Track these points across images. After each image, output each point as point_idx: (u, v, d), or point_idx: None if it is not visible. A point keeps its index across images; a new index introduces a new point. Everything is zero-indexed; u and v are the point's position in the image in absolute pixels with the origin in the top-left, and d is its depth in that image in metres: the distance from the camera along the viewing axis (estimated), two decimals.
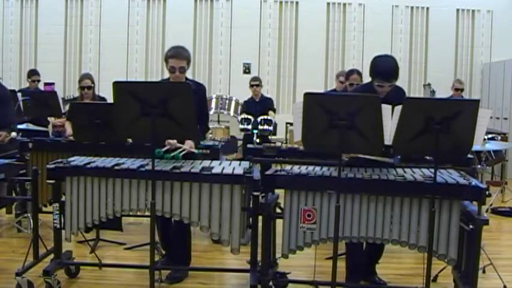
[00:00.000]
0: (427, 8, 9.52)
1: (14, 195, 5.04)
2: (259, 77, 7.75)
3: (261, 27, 9.47)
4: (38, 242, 3.66)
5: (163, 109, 2.93)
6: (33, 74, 6.88)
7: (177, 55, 3.73)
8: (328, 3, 9.48)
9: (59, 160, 3.51)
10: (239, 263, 3.94)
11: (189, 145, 3.68)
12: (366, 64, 3.63)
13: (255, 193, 3.22)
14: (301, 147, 3.99)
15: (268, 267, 3.33)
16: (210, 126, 5.22)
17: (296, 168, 3.29)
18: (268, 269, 3.34)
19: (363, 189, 3.07)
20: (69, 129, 4.93)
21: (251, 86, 7.23)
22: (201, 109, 3.87)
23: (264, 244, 3.31)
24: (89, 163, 3.40)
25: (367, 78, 3.64)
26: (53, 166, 3.41)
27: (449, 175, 3.18)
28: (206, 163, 3.45)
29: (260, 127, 6.48)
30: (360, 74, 5.21)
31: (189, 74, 3.97)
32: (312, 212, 3.13)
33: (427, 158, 3.58)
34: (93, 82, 5.26)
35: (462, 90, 7.37)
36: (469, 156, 3.67)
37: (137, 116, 2.97)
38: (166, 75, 3.92)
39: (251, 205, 3.31)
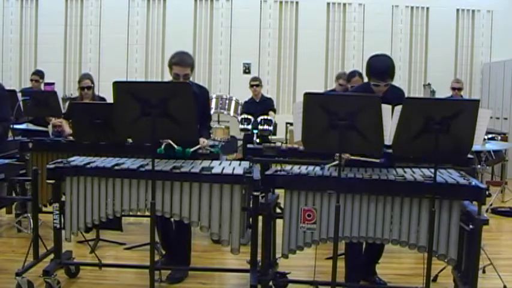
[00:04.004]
0: (427, 8, 9.52)
1: (14, 195, 5.04)
2: (259, 77, 7.75)
3: (261, 27, 9.46)
4: (38, 242, 3.66)
5: (163, 109, 2.94)
6: (35, 73, 6.90)
7: (182, 63, 3.72)
8: (328, 3, 9.48)
9: (59, 160, 3.51)
10: (239, 263, 3.93)
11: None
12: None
13: (255, 193, 3.22)
14: (301, 147, 3.99)
15: (268, 267, 3.33)
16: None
17: (296, 168, 3.29)
18: (268, 269, 3.34)
19: (363, 189, 3.07)
20: (66, 128, 4.93)
21: (251, 86, 7.22)
22: (203, 112, 3.88)
23: (264, 244, 3.31)
24: (89, 163, 3.40)
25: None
26: (53, 166, 3.41)
27: (449, 175, 3.18)
28: (206, 163, 3.45)
29: (260, 127, 6.48)
30: (361, 75, 5.21)
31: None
32: (312, 212, 3.13)
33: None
34: (92, 82, 5.26)
35: (460, 89, 7.38)
36: (469, 156, 3.67)
37: (137, 116, 2.97)
38: (166, 75, 3.92)
39: (251, 205, 3.31)
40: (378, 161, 3.23)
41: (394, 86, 3.57)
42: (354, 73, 5.34)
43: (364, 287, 3.73)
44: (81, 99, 5.24)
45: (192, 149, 3.62)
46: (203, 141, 3.80)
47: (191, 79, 3.92)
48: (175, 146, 3.52)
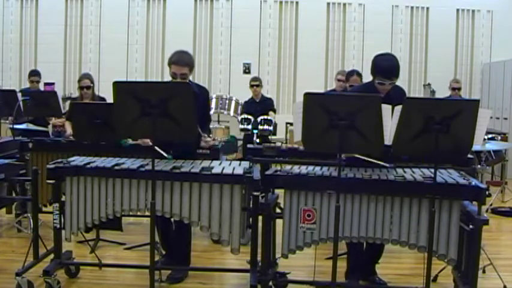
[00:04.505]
0: (427, 8, 9.51)
1: (14, 195, 5.04)
2: (259, 77, 7.75)
3: (261, 27, 9.46)
4: (38, 242, 3.66)
5: (163, 109, 2.94)
6: (32, 74, 6.87)
7: (179, 62, 3.71)
8: (328, 3, 9.48)
9: (59, 160, 3.51)
10: (239, 263, 3.94)
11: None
12: (366, 64, 3.64)
13: (255, 193, 3.22)
14: (301, 147, 3.99)
15: (268, 267, 3.33)
16: (210, 126, 5.23)
17: (296, 168, 3.29)
18: (268, 269, 3.34)
19: (363, 189, 3.07)
20: (69, 129, 4.94)
21: (251, 86, 7.22)
22: (203, 113, 3.88)
23: (264, 244, 3.31)
24: (89, 163, 3.41)
25: (367, 79, 3.65)
26: (53, 166, 3.41)
27: (449, 175, 3.18)
28: (206, 163, 3.45)
29: (260, 127, 6.47)
30: (360, 75, 5.21)
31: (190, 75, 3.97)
32: (311, 212, 3.13)
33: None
34: (92, 82, 5.26)
35: (459, 89, 7.38)
36: (469, 156, 3.67)
37: (137, 116, 2.97)
38: (166, 75, 3.92)
39: (251, 205, 3.31)
40: (387, 165, 3.23)
41: (397, 85, 3.59)
42: (352, 72, 5.34)
43: (364, 287, 3.73)
44: (81, 99, 5.24)
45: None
46: (204, 135, 3.82)
47: (191, 79, 3.92)
48: (165, 154, 3.40)
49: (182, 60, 3.73)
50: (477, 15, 9.55)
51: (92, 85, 5.24)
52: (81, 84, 5.23)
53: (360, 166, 3.29)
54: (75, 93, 5.69)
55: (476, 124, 2.75)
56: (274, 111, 7.24)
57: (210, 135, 4.06)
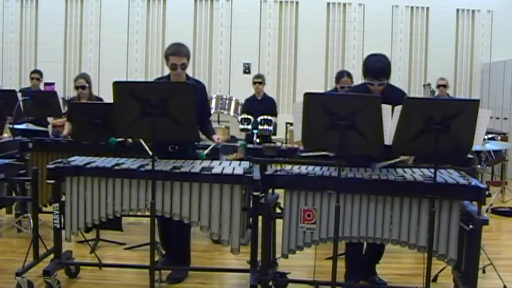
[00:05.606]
0: (427, 8, 9.51)
1: (14, 195, 5.04)
2: (262, 74, 7.70)
3: (261, 27, 9.46)
4: (38, 242, 3.66)
5: (163, 109, 2.94)
6: (33, 72, 6.89)
7: (178, 52, 3.74)
8: (328, 3, 9.48)
9: (59, 160, 3.51)
10: (239, 263, 3.94)
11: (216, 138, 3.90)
12: None
13: (255, 193, 3.22)
14: (301, 147, 4.00)
15: (268, 267, 3.33)
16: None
17: (296, 168, 3.29)
18: (268, 269, 3.34)
19: (363, 189, 3.07)
20: (67, 128, 4.93)
21: (254, 83, 7.19)
22: (203, 106, 3.89)
23: (264, 244, 3.31)
24: (89, 163, 3.41)
25: (358, 80, 3.64)
26: (53, 166, 3.41)
27: (449, 175, 3.18)
28: (206, 163, 3.45)
29: (260, 127, 6.46)
30: (350, 75, 5.17)
31: (189, 74, 3.97)
32: (311, 212, 3.13)
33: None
34: (87, 82, 5.25)
35: (445, 86, 7.37)
36: (469, 156, 3.68)
37: (137, 116, 2.97)
38: (166, 74, 3.92)
39: (251, 205, 3.31)
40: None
41: (396, 88, 3.58)
42: (342, 73, 5.28)
43: (364, 287, 3.73)
44: (79, 99, 5.24)
45: (206, 152, 3.75)
46: (217, 137, 3.88)
47: (190, 75, 3.92)
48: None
49: (181, 51, 3.75)
50: (477, 15, 9.55)
51: (87, 85, 5.22)
52: (77, 84, 5.23)
53: (360, 166, 3.29)
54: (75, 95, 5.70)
55: (476, 124, 2.75)
56: (276, 115, 7.16)
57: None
